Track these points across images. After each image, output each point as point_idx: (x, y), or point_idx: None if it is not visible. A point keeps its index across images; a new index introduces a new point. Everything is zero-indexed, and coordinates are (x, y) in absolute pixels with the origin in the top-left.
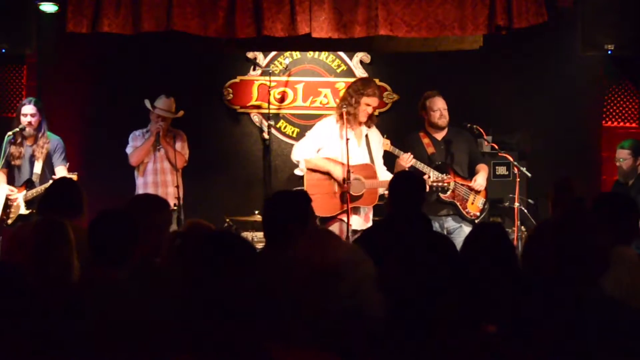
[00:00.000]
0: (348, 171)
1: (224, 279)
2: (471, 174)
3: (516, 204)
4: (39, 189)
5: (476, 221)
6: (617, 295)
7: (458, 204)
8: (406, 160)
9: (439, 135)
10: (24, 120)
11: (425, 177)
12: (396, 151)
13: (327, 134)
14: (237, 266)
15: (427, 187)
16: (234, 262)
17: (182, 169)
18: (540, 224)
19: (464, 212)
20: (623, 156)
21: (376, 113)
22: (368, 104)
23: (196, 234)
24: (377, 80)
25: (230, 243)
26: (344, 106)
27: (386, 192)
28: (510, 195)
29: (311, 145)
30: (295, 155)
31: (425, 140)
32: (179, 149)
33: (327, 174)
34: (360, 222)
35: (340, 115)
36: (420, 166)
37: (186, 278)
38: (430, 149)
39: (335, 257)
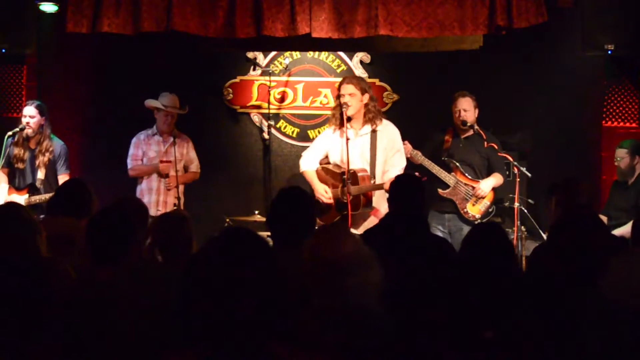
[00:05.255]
0: (348, 171)
1: (232, 275)
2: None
3: (516, 204)
4: (43, 197)
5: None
6: None
7: (457, 202)
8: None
9: (464, 135)
10: (24, 120)
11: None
12: (418, 155)
13: (327, 140)
14: (248, 264)
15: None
16: (246, 259)
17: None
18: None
19: (462, 212)
20: (621, 155)
21: (366, 100)
22: (342, 94)
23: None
24: (377, 80)
25: (243, 239)
26: (333, 110)
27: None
28: (510, 195)
29: (313, 155)
30: (300, 167)
31: (447, 137)
32: (194, 169)
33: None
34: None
35: (332, 119)
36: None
37: (190, 274)
38: (447, 145)
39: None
